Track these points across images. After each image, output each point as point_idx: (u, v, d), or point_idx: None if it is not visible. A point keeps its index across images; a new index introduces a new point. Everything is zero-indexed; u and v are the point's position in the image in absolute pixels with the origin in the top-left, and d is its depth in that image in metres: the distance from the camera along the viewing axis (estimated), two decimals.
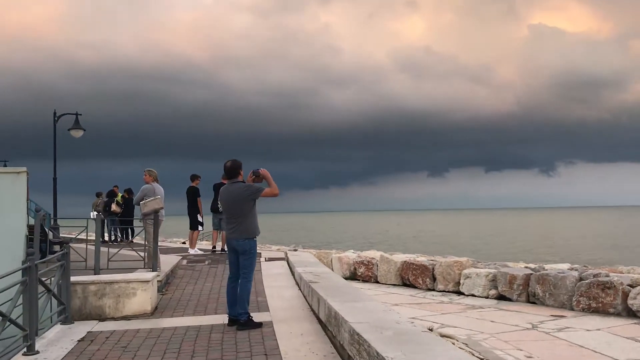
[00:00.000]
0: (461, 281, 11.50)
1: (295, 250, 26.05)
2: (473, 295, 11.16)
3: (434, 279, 12.03)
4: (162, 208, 10.16)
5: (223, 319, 7.19)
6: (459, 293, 11.44)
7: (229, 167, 6.92)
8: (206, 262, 12.30)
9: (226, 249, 14.56)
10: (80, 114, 20.14)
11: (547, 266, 13.00)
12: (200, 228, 15.19)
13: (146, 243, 10.16)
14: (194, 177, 14.72)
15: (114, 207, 19.02)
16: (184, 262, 12.38)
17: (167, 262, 11.27)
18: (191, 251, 15.00)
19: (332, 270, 13.63)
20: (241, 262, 6.88)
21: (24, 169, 8.83)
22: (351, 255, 17.43)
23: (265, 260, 12.54)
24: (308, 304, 8.00)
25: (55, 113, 20.00)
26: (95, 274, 8.88)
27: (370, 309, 5.96)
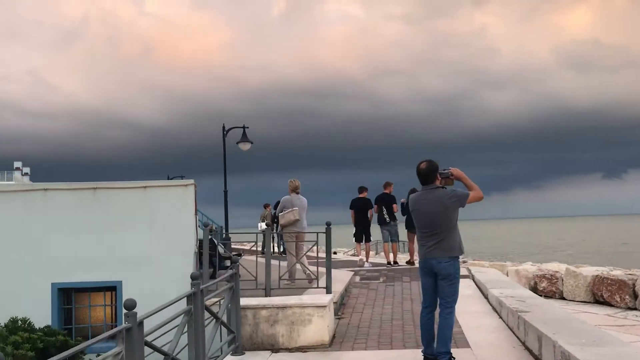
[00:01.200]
0: None
1: (465, 262, 24.09)
2: None
3: (635, 296, 10.27)
4: (297, 220, 9.67)
5: (414, 355, 5.89)
6: None
7: (425, 170, 5.57)
8: (381, 280, 11.09)
9: (389, 263, 13.66)
10: (247, 127, 20.19)
11: None
12: (371, 240, 14.28)
13: (297, 258, 9.31)
14: (362, 189, 13.98)
15: None
16: (357, 278, 11.28)
17: (339, 278, 10.21)
18: (367, 264, 14.03)
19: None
20: (442, 288, 5.49)
21: (192, 181, 8.31)
22: (530, 267, 15.71)
23: None
24: (518, 339, 6.40)
25: (224, 127, 20.25)
26: (265, 295, 8.04)
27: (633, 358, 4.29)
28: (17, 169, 78.07)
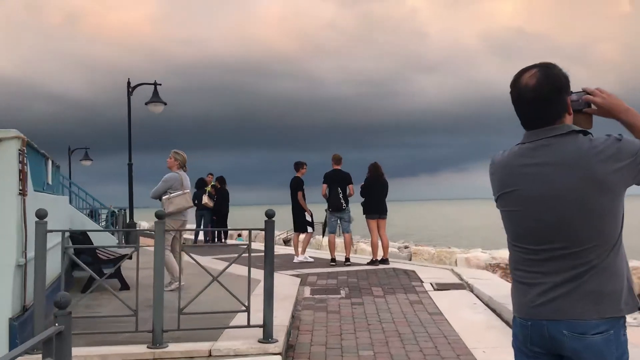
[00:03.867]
0: None
1: (406, 247, 21.13)
2: None
3: None
4: (191, 207, 7.95)
5: None
6: None
7: (537, 89, 2.04)
8: (342, 293, 7.59)
9: (342, 261, 10.43)
10: (160, 84, 16.11)
11: None
12: (309, 229, 10.92)
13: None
14: (298, 166, 10.89)
15: (205, 199, 15.07)
16: (306, 291, 7.72)
17: (281, 293, 6.61)
18: (298, 258, 10.79)
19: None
20: None
21: (13, 132, 4.43)
22: (481, 255, 13.89)
23: (435, 289, 7.71)
24: None
25: (129, 83, 16.10)
26: (153, 345, 4.43)
27: None
28: None
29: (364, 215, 10.31)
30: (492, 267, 12.75)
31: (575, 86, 2.20)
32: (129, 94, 15.90)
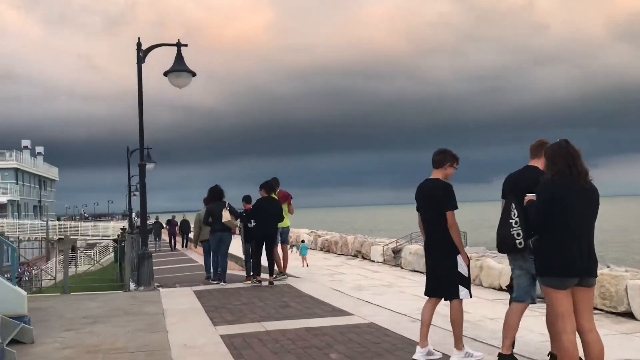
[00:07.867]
0: None
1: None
2: None
3: None
4: None
5: None
6: None
7: None
8: None
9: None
10: (185, 45, 11.25)
11: None
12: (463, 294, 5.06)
13: None
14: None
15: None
16: None
17: None
18: (416, 355, 5.24)
19: None
20: None
21: None
22: None
23: None
24: None
25: (139, 45, 11.29)
26: None
27: None
28: (26, 147, 70.14)
29: (539, 278, 4.30)
30: None
31: None
32: (139, 60, 11.03)
